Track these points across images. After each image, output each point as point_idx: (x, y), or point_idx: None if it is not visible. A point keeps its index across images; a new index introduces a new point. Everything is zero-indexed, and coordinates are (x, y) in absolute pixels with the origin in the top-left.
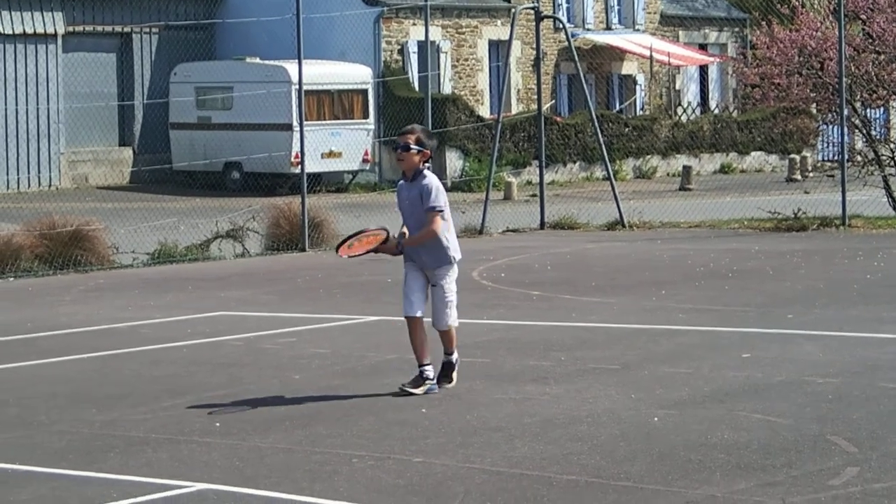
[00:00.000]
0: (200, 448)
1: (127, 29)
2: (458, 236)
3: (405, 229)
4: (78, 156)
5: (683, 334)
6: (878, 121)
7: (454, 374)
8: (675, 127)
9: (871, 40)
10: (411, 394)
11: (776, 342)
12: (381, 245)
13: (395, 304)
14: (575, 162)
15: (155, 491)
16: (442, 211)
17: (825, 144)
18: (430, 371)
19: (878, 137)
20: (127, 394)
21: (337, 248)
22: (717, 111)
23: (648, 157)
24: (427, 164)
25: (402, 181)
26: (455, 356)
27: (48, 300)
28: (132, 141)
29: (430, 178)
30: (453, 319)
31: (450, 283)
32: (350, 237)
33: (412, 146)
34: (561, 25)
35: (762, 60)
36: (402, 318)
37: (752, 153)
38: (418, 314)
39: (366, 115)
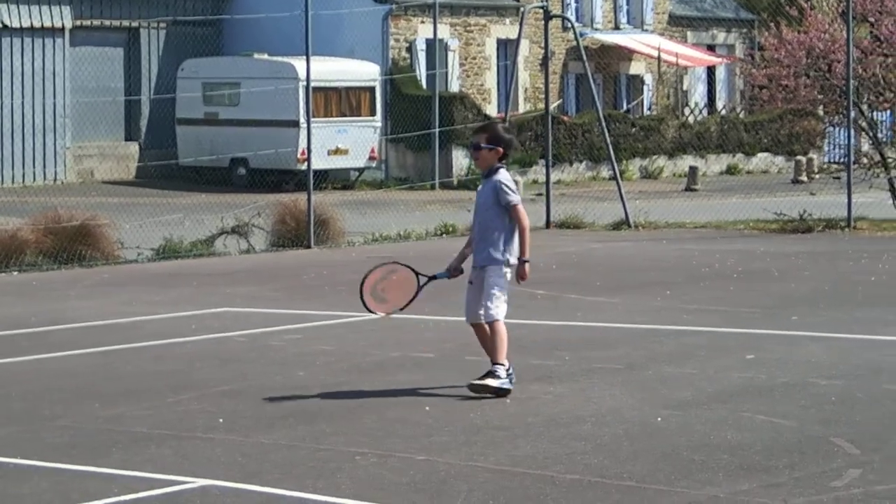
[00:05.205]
0: (203, 444)
1: (135, 24)
2: (461, 234)
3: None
4: (84, 150)
5: (688, 335)
6: (884, 123)
7: (493, 386)
8: (681, 127)
9: (879, 43)
10: (486, 387)
11: (781, 343)
12: (417, 287)
13: None
14: (581, 161)
15: (157, 486)
16: (519, 203)
17: (831, 146)
18: (501, 370)
19: (884, 140)
20: (131, 389)
21: (364, 302)
22: (724, 112)
23: (655, 157)
24: (504, 161)
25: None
26: (500, 370)
27: (53, 295)
28: (139, 136)
29: (500, 174)
30: (486, 314)
31: (492, 278)
32: (367, 276)
33: (482, 145)
34: (570, 25)
35: (770, 62)
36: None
37: (759, 154)
38: (471, 321)
39: (373, 113)
